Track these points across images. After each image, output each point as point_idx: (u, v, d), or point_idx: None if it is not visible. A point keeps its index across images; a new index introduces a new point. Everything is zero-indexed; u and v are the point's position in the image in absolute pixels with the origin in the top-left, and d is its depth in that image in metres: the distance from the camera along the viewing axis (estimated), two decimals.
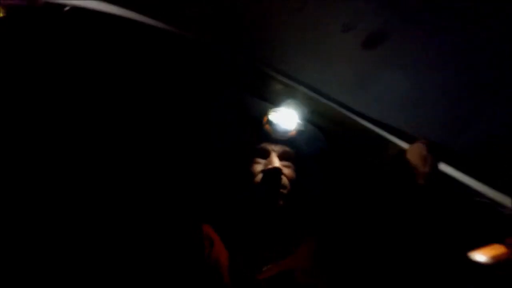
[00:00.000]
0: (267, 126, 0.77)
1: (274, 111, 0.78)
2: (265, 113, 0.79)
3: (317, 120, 0.86)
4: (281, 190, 0.71)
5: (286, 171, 0.73)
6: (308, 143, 0.80)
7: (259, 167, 0.74)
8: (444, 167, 0.67)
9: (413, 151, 0.68)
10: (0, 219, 0.67)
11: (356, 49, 0.81)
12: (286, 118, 0.76)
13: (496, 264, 0.57)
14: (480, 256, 0.59)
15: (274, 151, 0.74)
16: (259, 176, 0.72)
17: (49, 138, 0.75)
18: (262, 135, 0.77)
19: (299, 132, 0.78)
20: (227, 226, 0.72)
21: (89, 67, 0.77)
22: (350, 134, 0.86)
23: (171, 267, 0.64)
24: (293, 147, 0.77)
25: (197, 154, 0.87)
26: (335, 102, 0.82)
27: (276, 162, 0.71)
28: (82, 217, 0.75)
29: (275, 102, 0.81)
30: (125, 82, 0.86)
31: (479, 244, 0.60)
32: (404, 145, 0.75)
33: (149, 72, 0.88)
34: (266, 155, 0.75)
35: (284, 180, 0.73)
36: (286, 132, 0.76)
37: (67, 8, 0.60)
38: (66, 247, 0.70)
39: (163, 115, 0.91)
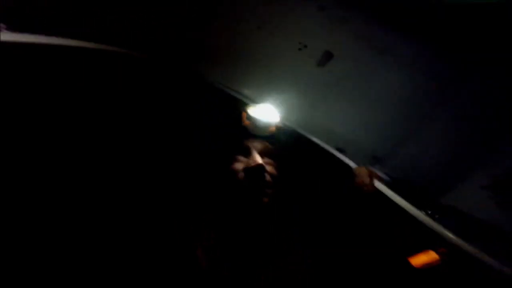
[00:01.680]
0: (247, 122, 0.74)
1: (253, 106, 0.76)
2: (244, 109, 0.76)
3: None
4: (265, 188, 0.68)
5: (268, 168, 0.70)
6: (288, 140, 0.79)
7: (240, 165, 0.70)
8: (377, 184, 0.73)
9: (360, 171, 0.74)
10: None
11: (309, 67, 0.85)
12: (266, 113, 0.74)
13: (429, 268, 0.64)
14: (417, 260, 0.65)
15: (255, 148, 0.71)
16: (241, 174, 0.69)
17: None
18: (242, 131, 0.74)
19: (279, 128, 0.76)
20: (219, 223, 0.70)
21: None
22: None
23: (170, 261, 0.63)
24: (273, 143, 0.74)
25: (182, 155, 0.85)
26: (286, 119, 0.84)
27: (258, 159, 0.68)
28: (78, 214, 0.74)
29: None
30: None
31: (416, 251, 0.66)
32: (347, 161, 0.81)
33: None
34: (247, 152, 0.71)
35: (268, 177, 0.70)
36: (266, 126, 0.74)
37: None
38: (62, 245, 0.69)
39: (148, 120, 0.90)
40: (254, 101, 0.80)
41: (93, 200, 0.75)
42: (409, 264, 0.66)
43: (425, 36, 0.77)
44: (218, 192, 0.73)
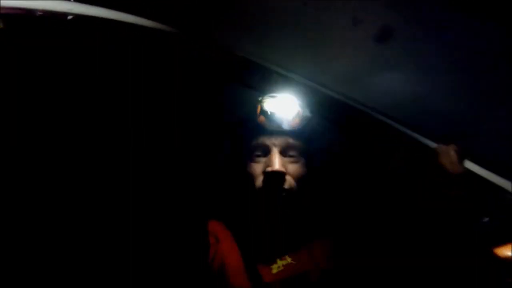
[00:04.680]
0: (261, 118, 0.66)
1: (268, 98, 0.66)
2: (258, 102, 0.67)
3: (322, 111, 0.79)
4: (285, 195, 0.64)
5: (291, 168, 0.65)
6: (316, 133, 0.71)
7: (259, 167, 0.65)
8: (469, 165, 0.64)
9: (444, 149, 0.65)
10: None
11: (363, 44, 0.79)
12: (284, 105, 0.66)
13: None
14: (505, 252, 0.59)
15: (275, 145, 0.65)
16: (260, 179, 0.65)
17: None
18: (259, 128, 0.66)
19: (304, 119, 0.67)
20: (235, 225, 0.69)
21: (94, 75, 0.75)
22: (357, 127, 0.81)
23: (174, 264, 0.61)
24: (298, 137, 0.67)
25: (200, 155, 0.82)
26: (340, 94, 0.77)
27: (276, 163, 0.63)
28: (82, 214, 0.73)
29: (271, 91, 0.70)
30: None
31: (504, 241, 0.59)
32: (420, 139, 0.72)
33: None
34: (266, 151, 0.66)
35: (289, 181, 0.64)
36: (285, 122, 0.65)
37: (70, 17, 0.57)
38: (66, 247, 0.68)
39: (165, 115, 0.87)
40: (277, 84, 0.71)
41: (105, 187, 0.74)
42: (495, 255, 0.60)
43: (489, 15, 0.70)
44: (235, 197, 0.69)
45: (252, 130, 0.67)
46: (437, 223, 0.61)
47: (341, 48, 0.82)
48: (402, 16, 0.75)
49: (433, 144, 0.69)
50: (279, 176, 0.63)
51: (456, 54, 0.74)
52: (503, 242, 0.60)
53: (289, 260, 0.64)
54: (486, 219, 0.67)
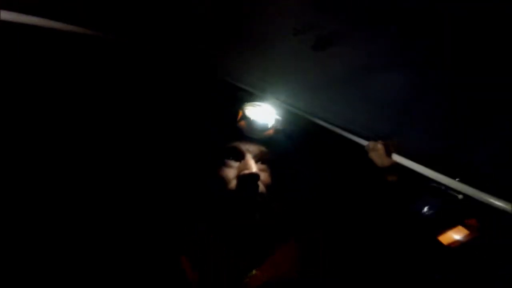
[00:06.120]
0: (242, 122, 0.67)
1: (251, 105, 0.69)
2: (239, 108, 0.69)
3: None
4: (258, 200, 0.63)
5: (262, 176, 0.65)
6: (285, 144, 0.73)
7: (232, 171, 0.65)
8: (396, 157, 0.68)
9: (374, 145, 0.69)
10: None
11: (306, 53, 0.83)
12: (264, 113, 0.68)
13: (461, 245, 0.60)
14: (447, 238, 0.61)
15: (249, 152, 0.65)
16: (233, 183, 0.64)
17: None
18: (235, 133, 0.67)
19: (277, 131, 0.70)
20: (200, 233, 0.65)
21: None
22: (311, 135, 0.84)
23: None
24: (270, 147, 0.68)
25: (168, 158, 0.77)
26: (291, 105, 0.79)
27: (252, 167, 0.62)
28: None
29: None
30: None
31: (441, 228, 0.62)
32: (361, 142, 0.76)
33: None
34: (240, 156, 0.66)
35: (261, 187, 0.64)
36: (264, 129, 0.67)
37: None
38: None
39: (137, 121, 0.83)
40: (253, 95, 0.73)
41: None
42: (440, 243, 0.62)
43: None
44: (207, 201, 0.66)
45: (226, 135, 0.67)
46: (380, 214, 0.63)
47: (283, 60, 0.85)
48: (336, 24, 0.80)
49: (364, 142, 0.73)
50: (255, 178, 0.62)
51: (387, 58, 0.80)
52: (443, 229, 0.63)
53: (253, 272, 0.61)
54: (426, 208, 0.70)
